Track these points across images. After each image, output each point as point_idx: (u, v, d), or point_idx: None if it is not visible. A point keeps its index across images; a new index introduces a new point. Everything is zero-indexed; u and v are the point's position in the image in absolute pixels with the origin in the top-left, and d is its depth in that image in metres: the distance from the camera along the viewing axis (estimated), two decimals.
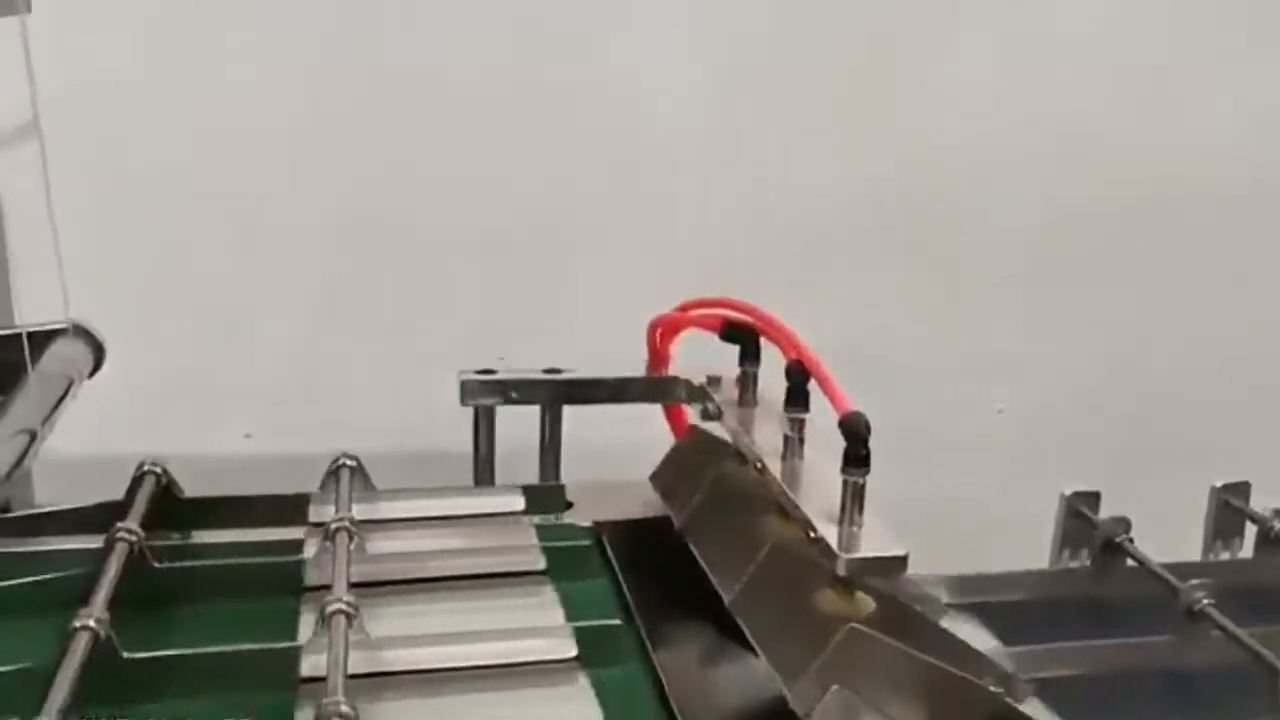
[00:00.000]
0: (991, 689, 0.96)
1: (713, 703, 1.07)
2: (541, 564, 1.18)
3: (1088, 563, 1.28)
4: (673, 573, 1.21)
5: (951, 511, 1.90)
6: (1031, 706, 1.01)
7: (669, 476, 1.36)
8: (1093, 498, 1.29)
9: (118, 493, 1.20)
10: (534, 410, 1.45)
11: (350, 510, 1.17)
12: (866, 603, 1.05)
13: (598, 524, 1.30)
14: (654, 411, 1.49)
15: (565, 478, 1.43)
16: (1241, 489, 1.33)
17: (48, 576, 1.10)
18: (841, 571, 1.01)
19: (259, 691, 0.98)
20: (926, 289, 2.03)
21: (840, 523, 1.04)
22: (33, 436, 1.30)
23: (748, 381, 1.34)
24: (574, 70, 1.86)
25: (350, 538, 1.12)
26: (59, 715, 0.86)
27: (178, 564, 1.15)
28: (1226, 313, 2.12)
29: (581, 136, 1.88)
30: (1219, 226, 2.09)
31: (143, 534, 1.11)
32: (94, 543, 1.11)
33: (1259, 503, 1.33)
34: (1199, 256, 2.10)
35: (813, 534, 1.05)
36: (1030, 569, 1.29)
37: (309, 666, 0.97)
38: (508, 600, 1.14)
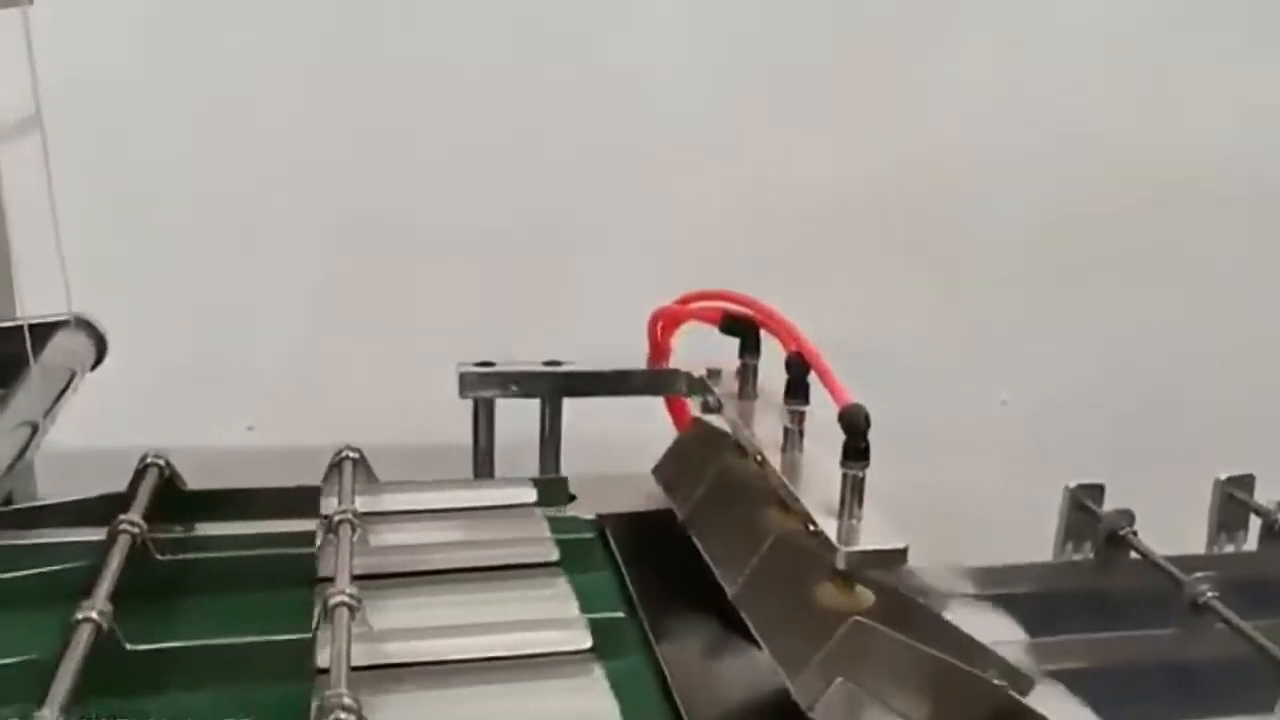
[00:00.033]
0: (995, 682, 0.95)
1: (716, 695, 1.07)
2: (555, 555, 1.18)
3: (1091, 556, 1.28)
4: (675, 565, 1.21)
5: (955, 505, 1.91)
6: (1058, 695, 1.01)
7: (671, 469, 1.36)
8: (1096, 490, 1.29)
9: (119, 485, 1.20)
10: (533, 403, 1.44)
11: (353, 502, 1.17)
12: (866, 596, 1.04)
13: (600, 517, 1.31)
14: (655, 405, 1.49)
15: (565, 471, 1.43)
16: (1245, 482, 1.33)
17: (50, 569, 1.10)
18: (841, 565, 1.01)
19: (264, 684, 0.97)
20: (928, 286, 2.04)
21: (840, 516, 1.03)
22: (35, 429, 1.30)
23: (747, 374, 1.33)
24: (574, 70, 1.86)
25: (353, 530, 1.12)
26: (62, 707, 0.86)
27: (180, 556, 1.15)
28: (1231, 309, 2.13)
29: (581, 136, 1.88)
30: (1219, 224, 2.10)
31: (145, 526, 1.11)
32: (97, 535, 1.11)
33: (1263, 495, 1.33)
34: (1201, 251, 2.11)
35: (812, 527, 1.05)
36: (1033, 562, 1.29)
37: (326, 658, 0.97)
38: (522, 592, 1.14)
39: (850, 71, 1.94)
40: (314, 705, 0.89)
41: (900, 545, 1.01)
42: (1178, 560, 1.20)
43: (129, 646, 0.96)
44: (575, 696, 1.00)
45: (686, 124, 1.91)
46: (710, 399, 1.37)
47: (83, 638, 0.93)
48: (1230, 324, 2.12)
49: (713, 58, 1.91)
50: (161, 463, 1.23)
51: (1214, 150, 2.06)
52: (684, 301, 1.43)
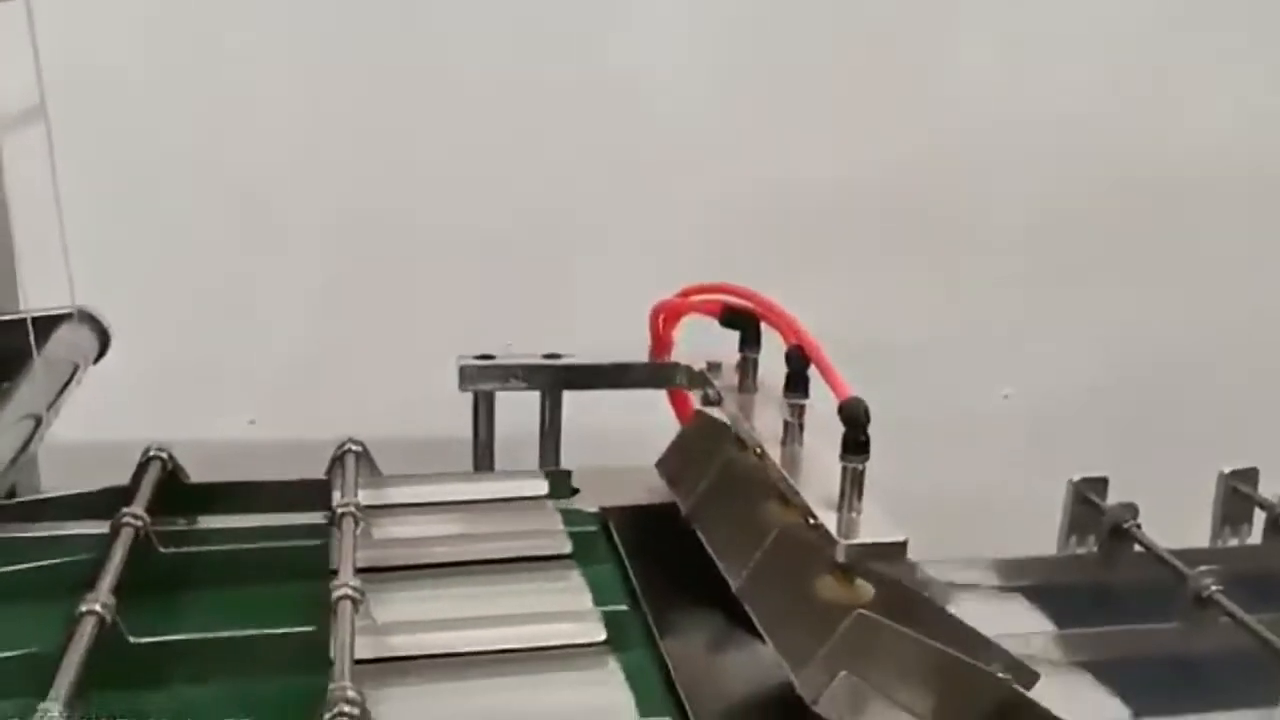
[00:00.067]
0: (999, 675, 0.95)
1: (720, 689, 1.07)
2: (567, 548, 1.18)
3: (1095, 549, 1.28)
4: (679, 559, 1.20)
5: (958, 499, 1.90)
6: (1086, 683, 1.01)
7: (675, 463, 1.36)
8: (1100, 484, 1.29)
9: (122, 478, 1.20)
10: (533, 397, 1.44)
11: (356, 495, 1.17)
12: (866, 589, 1.04)
13: (604, 510, 1.31)
14: (656, 398, 1.49)
15: (566, 464, 1.42)
16: (1250, 475, 1.33)
17: (53, 561, 1.10)
18: (840, 558, 1.01)
19: (267, 677, 0.97)
20: (931, 281, 2.04)
21: (839, 509, 1.03)
22: (38, 422, 1.29)
23: (748, 367, 1.34)
24: (574, 70, 1.86)
25: (356, 523, 1.12)
26: (65, 700, 0.85)
27: (183, 549, 1.15)
28: (1235, 303, 2.13)
29: (581, 135, 1.88)
30: (1221, 218, 2.10)
31: (149, 519, 1.11)
32: (100, 528, 1.11)
33: (1267, 489, 1.33)
34: (1205, 244, 2.11)
35: (812, 520, 1.04)
36: (1038, 555, 1.29)
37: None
38: (536, 584, 1.14)
39: (851, 69, 1.94)
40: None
41: (900, 538, 1.01)
42: (1182, 554, 1.20)
43: (132, 639, 0.96)
44: (590, 689, 1.00)
45: (686, 122, 1.91)
46: (710, 392, 1.37)
47: (86, 631, 0.93)
48: (1236, 318, 2.12)
49: (712, 56, 1.91)
50: (164, 456, 1.22)
51: (1216, 144, 2.05)
52: (685, 295, 1.43)
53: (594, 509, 1.30)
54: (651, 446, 1.38)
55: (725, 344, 1.36)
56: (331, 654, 0.93)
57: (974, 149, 1.99)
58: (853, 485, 1.03)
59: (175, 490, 1.22)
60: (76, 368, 1.42)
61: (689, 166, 1.92)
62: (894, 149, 1.96)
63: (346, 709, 0.85)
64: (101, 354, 1.48)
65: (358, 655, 0.93)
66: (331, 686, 0.87)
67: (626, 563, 1.21)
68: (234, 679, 0.98)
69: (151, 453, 1.22)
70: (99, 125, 1.69)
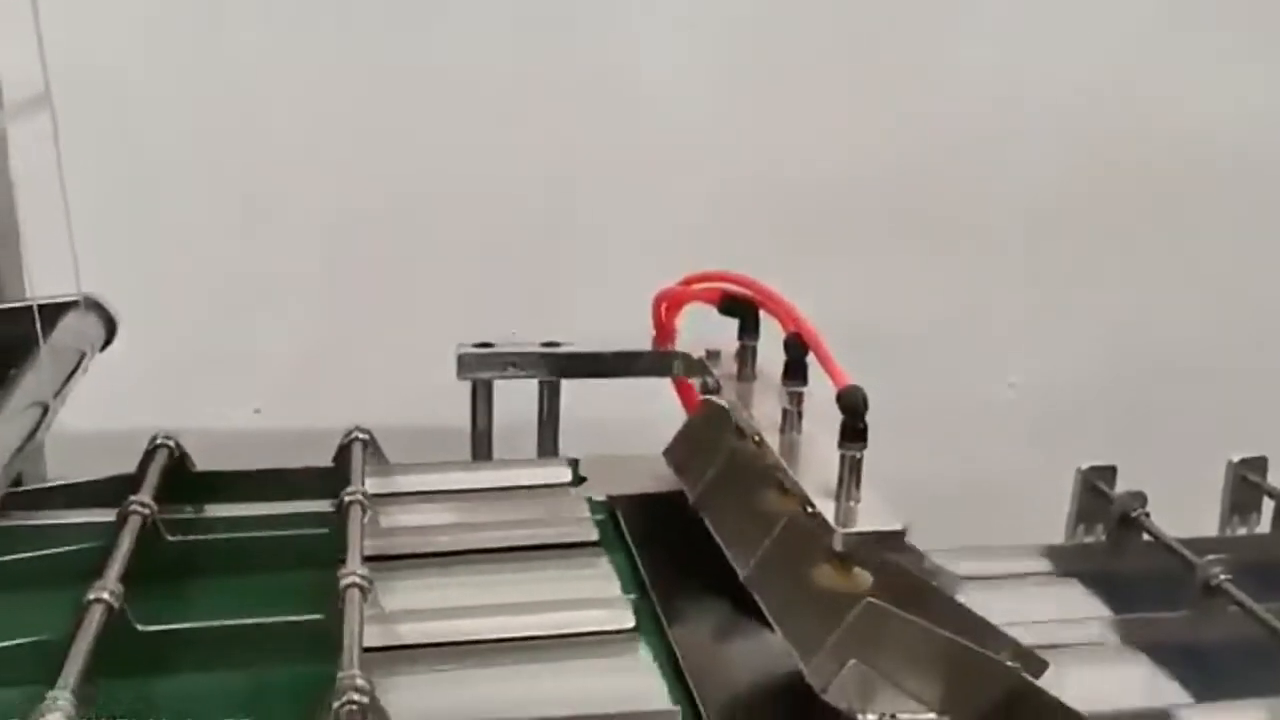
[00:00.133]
0: (1008, 663, 0.95)
1: (728, 677, 1.07)
2: (594, 535, 1.18)
3: (1103, 538, 1.28)
4: (687, 547, 1.20)
5: (965, 487, 1.91)
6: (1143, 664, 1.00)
7: (682, 451, 1.35)
8: (1109, 472, 1.29)
9: (127, 467, 1.20)
10: (531, 386, 1.44)
11: (364, 484, 1.17)
12: (864, 578, 1.04)
13: (611, 498, 1.31)
14: (659, 387, 1.49)
15: (566, 453, 1.42)
16: (1259, 464, 1.33)
17: (61, 550, 1.10)
18: (838, 546, 1.01)
19: (275, 665, 0.97)
20: (938, 270, 2.04)
21: (838, 498, 1.03)
22: (45, 410, 1.29)
23: (746, 355, 1.33)
24: (574, 68, 1.87)
25: (364, 511, 1.12)
26: (73, 688, 0.85)
27: (190, 537, 1.15)
28: (1243, 294, 2.13)
29: (581, 133, 1.89)
30: (1228, 208, 2.10)
31: (156, 507, 1.11)
32: (107, 516, 1.11)
33: (1276, 478, 1.33)
34: (1212, 234, 2.11)
35: (810, 509, 1.04)
36: (1046, 544, 1.28)
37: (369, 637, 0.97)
38: (565, 571, 1.14)
39: (851, 57, 1.94)
40: None
41: (899, 527, 1.01)
42: (1190, 542, 1.19)
43: (140, 627, 0.96)
44: (623, 676, 1.00)
45: (687, 110, 1.91)
46: (709, 380, 1.37)
47: (94, 618, 0.93)
48: (1245, 306, 2.12)
49: (714, 43, 1.91)
50: (171, 444, 1.23)
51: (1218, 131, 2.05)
52: (687, 283, 1.42)
53: (601, 497, 1.30)
54: (655, 435, 1.38)
55: (729, 332, 1.36)
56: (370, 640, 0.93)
57: (977, 139, 1.99)
58: (851, 473, 1.03)
59: (182, 478, 1.22)
60: (83, 356, 1.42)
61: (690, 155, 1.92)
62: (897, 137, 1.96)
63: (356, 697, 0.85)
64: (108, 342, 1.48)
65: (380, 643, 0.94)
66: (340, 674, 0.87)
67: (634, 551, 1.21)
68: (242, 667, 0.98)
69: (158, 440, 1.22)
70: (104, 113, 1.69)
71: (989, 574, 1.21)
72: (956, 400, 2.04)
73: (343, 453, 1.26)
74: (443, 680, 0.97)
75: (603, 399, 1.44)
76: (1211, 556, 1.14)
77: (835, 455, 1.03)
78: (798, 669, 0.97)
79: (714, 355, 1.40)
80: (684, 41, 1.90)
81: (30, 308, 1.32)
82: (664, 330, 1.46)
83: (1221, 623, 1.12)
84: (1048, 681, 0.93)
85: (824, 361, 1.15)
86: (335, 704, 0.84)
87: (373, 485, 1.19)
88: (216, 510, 1.23)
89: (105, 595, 0.95)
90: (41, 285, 1.40)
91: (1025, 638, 0.98)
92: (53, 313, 1.40)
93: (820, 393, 1.14)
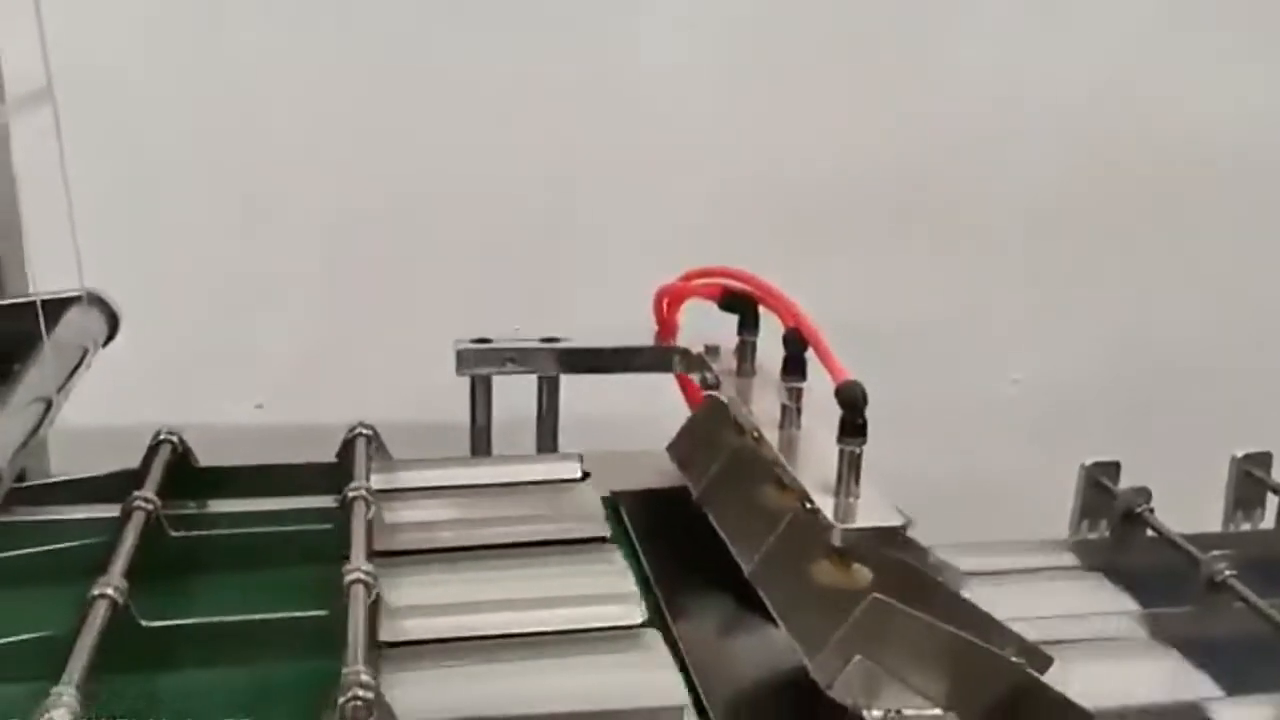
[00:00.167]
0: (1013, 659, 0.95)
1: (732, 672, 1.07)
2: (607, 530, 1.18)
3: (1108, 533, 1.28)
4: (690, 543, 1.20)
5: (969, 483, 1.90)
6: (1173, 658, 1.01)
7: (685, 447, 1.36)
8: (1113, 468, 1.28)
9: (131, 462, 1.20)
10: (530, 381, 1.44)
11: (368, 480, 1.17)
12: (863, 574, 1.04)
13: (615, 494, 1.30)
14: (661, 383, 1.49)
15: (566, 448, 1.42)
16: (1263, 459, 1.32)
17: (64, 545, 1.10)
18: (837, 542, 1.01)
19: (279, 660, 0.97)
20: (942, 266, 2.04)
21: (837, 493, 1.03)
22: (48, 405, 1.29)
23: (746, 351, 1.33)
24: (574, 67, 1.86)
25: (368, 507, 1.12)
26: (78, 683, 0.85)
27: (194, 533, 1.15)
28: (1246, 290, 2.12)
29: (582, 132, 1.88)
30: (1228, 207, 2.09)
31: (159, 503, 1.11)
32: (110, 511, 1.11)
33: None
34: (1214, 231, 2.10)
35: (809, 505, 1.04)
36: (1050, 539, 1.28)
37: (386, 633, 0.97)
38: (578, 566, 1.13)
39: (855, 54, 1.94)
40: None
41: (898, 523, 1.01)
42: (1194, 538, 1.19)
43: (144, 623, 0.96)
44: (641, 671, 0.99)
45: (687, 111, 1.91)
46: (708, 375, 1.37)
47: (98, 614, 0.93)
48: (1249, 301, 2.12)
49: (714, 43, 1.91)
50: (174, 439, 1.23)
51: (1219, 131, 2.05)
52: (688, 278, 1.42)
53: (605, 493, 1.30)
54: (658, 431, 1.38)
55: (730, 328, 1.36)
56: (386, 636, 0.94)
57: (977, 139, 1.99)
58: (850, 469, 1.02)
59: (186, 474, 1.22)
60: (86, 351, 1.42)
61: (690, 155, 1.91)
62: (897, 137, 1.96)
63: (360, 693, 0.85)
64: (110, 337, 1.48)
65: (386, 638, 0.94)
66: (345, 670, 0.87)
67: (638, 546, 1.21)
68: (246, 663, 0.97)
69: (161, 436, 1.22)
70: (105, 112, 1.69)
71: (993, 569, 1.21)
72: (958, 397, 2.03)
73: (346, 448, 1.26)
74: (449, 676, 0.97)
75: (603, 394, 1.44)
76: (1216, 552, 1.14)
77: (834, 451, 1.03)
78: (802, 664, 0.97)
79: (713, 351, 1.40)
80: (684, 41, 1.90)
81: (33, 303, 1.31)
82: (666, 325, 1.46)
83: (1226, 618, 1.12)
84: (1053, 677, 0.93)
85: (823, 357, 1.15)
86: (340, 700, 0.84)
87: (377, 481, 1.19)
88: (220, 506, 1.23)
89: (109, 591, 0.95)
90: (44, 280, 1.40)
91: (1030, 633, 0.98)
92: (56, 308, 1.40)
93: (820, 388, 1.14)
